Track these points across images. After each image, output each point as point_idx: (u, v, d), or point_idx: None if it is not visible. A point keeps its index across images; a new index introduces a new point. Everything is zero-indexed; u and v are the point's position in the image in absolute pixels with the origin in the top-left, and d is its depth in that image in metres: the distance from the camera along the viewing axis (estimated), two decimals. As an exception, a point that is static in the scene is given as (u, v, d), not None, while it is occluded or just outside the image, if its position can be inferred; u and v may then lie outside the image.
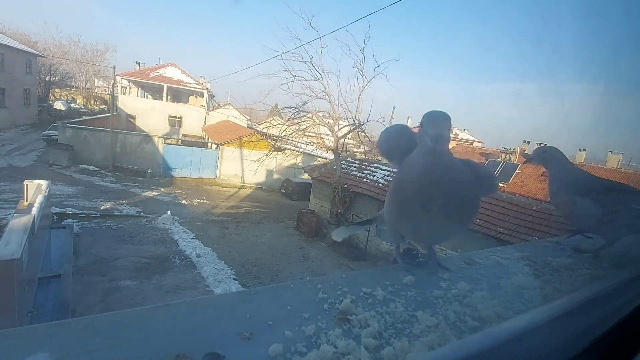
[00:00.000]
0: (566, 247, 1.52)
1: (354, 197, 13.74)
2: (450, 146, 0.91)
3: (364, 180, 13.78)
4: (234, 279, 9.74)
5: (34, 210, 7.08)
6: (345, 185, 13.73)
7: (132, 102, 29.62)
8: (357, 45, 16.84)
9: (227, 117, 29.11)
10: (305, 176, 19.53)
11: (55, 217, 11.06)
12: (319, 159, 21.97)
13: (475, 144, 37.45)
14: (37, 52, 30.98)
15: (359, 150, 22.03)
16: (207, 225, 13.76)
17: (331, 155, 17.24)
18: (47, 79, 37.73)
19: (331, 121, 14.82)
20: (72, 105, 37.20)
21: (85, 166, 19.42)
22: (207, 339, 0.65)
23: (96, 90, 45.45)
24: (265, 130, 19.61)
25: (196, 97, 31.55)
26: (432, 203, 0.93)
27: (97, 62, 41.40)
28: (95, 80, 45.28)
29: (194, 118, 30.02)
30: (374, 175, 13.79)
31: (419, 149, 0.91)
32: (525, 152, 18.93)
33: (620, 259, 1.37)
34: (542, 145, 1.51)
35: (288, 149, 21.80)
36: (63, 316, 6.35)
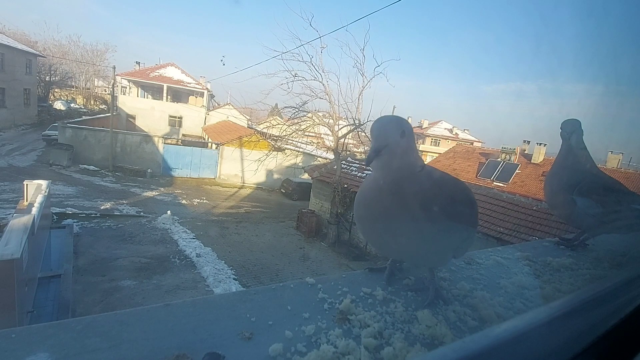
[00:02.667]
0: (550, 243, 1.52)
1: (353, 197, 13.72)
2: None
3: (364, 180, 13.78)
4: (234, 279, 9.73)
5: (34, 210, 7.08)
6: (345, 185, 13.73)
7: (132, 102, 29.61)
8: (357, 45, 16.85)
9: (227, 117, 29.10)
10: (305, 176, 19.52)
11: (55, 217, 11.05)
12: (319, 159, 21.96)
13: (475, 143, 37.49)
14: (37, 52, 30.97)
15: (359, 150, 22.02)
16: (207, 225, 13.76)
17: (331, 155, 17.23)
18: (47, 79, 37.72)
19: (331, 121, 14.81)
20: (72, 105, 37.20)
21: (85, 166, 19.42)
22: (207, 339, 0.65)
23: (96, 90, 45.45)
24: (265, 130, 19.58)
25: (196, 97, 31.54)
26: (375, 220, 0.86)
27: (97, 62, 41.43)
28: (95, 80, 45.27)
29: (194, 118, 30.02)
30: (374, 175, 13.73)
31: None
32: (525, 151, 18.94)
33: (620, 259, 1.37)
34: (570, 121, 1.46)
35: (288, 149, 21.79)
36: (63, 316, 6.34)
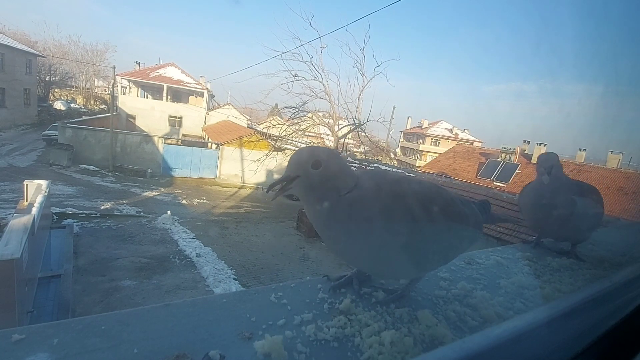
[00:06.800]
0: (549, 243, 1.52)
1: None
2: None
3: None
4: (234, 279, 9.73)
5: (34, 210, 7.08)
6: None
7: (132, 102, 29.60)
8: (357, 45, 16.88)
9: (227, 117, 29.10)
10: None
11: (55, 217, 11.05)
12: (319, 159, 21.93)
13: (475, 143, 37.49)
14: (37, 52, 30.97)
15: (359, 150, 22.04)
16: (207, 225, 13.75)
17: (331, 155, 17.20)
18: (47, 79, 37.74)
19: (331, 121, 14.82)
20: (72, 105, 37.20)
21: (85, 166, 19.41)
22: (207, 339, 0.65)
23: (96, 90, 45.44)
24: (265, 130, 19.59)
25: (196, 97, 31.54)
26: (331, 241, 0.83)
27: (97, 62, 41.41)
28: (95, 80, 45.26)
29: (194, 118, 30.01)
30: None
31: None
32: (525, 151, 18.95)
33: (620, 259, 1.37)
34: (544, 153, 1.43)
35: (288, 149, 21.81)
36: (63, 316, 6.34)
